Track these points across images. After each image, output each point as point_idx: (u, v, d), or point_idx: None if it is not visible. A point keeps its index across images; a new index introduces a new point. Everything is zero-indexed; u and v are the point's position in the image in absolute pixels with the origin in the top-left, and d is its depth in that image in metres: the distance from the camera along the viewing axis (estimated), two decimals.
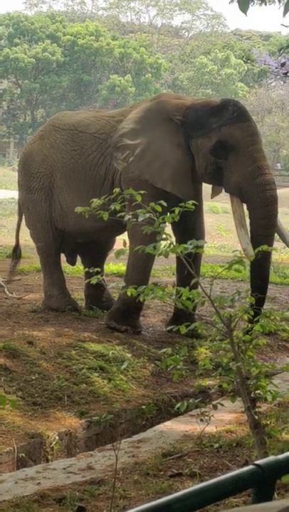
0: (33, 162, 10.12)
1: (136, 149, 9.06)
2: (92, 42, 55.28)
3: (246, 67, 53.36)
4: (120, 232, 9.81)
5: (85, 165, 9.61)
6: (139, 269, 9.18)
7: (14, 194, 18.14)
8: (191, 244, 4.87)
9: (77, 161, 9.69)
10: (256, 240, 8.38)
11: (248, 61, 16.29)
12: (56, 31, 56.38)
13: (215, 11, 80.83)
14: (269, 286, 12.77)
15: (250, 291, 5.85)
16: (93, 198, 5.88)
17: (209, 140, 8.78)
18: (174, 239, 5.44)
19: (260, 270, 8.66)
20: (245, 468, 2.45)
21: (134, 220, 5.05)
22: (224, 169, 8.77)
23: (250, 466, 2.45)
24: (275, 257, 14.32)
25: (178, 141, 9.00)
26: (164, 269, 13.01)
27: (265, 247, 5.57)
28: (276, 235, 9.00)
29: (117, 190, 5.69)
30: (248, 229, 8.76)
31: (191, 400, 5.70)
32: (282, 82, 52.54)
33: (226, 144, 8.66)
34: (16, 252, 10.70)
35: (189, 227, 8.93)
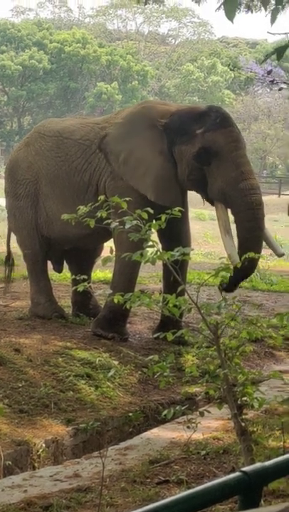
0: (19, 169, 10.11)
1: (120, 155, 9.07)
2: (78, 49, 55.28)
3: (233, 75, 53.37)
4: (107, 239, 9.80)
5: (69, 171, 9.60)
6: (126, 276, 9.17)
7: (1, 202, 18.09)
8: (177, 251, 4.87)
9: (62, 167, 9.68)
10: (245, 244, 8.29)
11: (235, 69, 16.28)
12: (43, 38, 56.37)
13: (202, 18, 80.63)
14: (256, 293, 12.87)
15: (236, 298, 5.80)
16: (77, 205, 5.87)
17: (192, 146, 8.74)
18: (160, 246, 5.43)
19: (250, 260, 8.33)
20: (232, 475, 2.45)
21: (121, 227, 5.04)
22: (207, 175, 8.72)
23: (237, 473, 2.46)
24: (262, 264, 14.32)
25: (161, 148, 8.97)
26: (150, 276, 13.00)
27: (251, 254, 5.56)
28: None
29: (102, 197, 5.67)
30: (234, 235, 8.70)
31: (177, 407, 5.69)
32: (268, 90, 52.68)
33: (209, 150, 8.63)
34: (9, 261, 10.56)
35: (176, 234, 8.91)
